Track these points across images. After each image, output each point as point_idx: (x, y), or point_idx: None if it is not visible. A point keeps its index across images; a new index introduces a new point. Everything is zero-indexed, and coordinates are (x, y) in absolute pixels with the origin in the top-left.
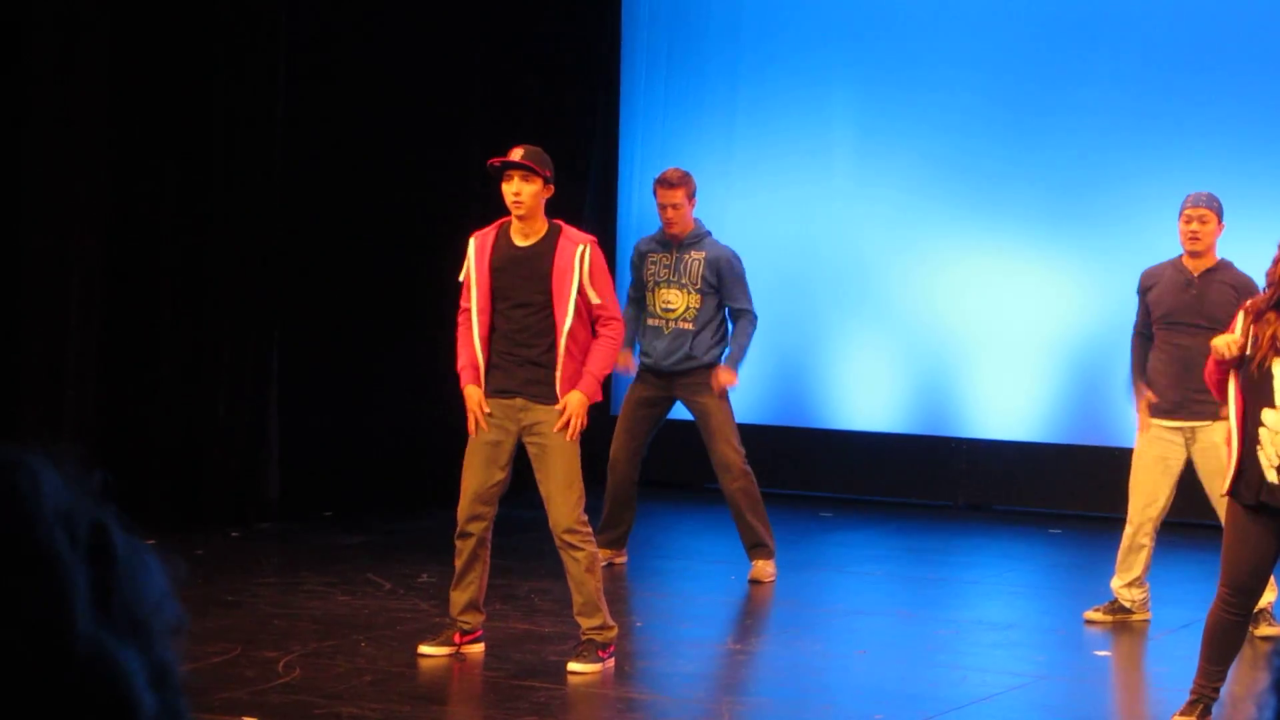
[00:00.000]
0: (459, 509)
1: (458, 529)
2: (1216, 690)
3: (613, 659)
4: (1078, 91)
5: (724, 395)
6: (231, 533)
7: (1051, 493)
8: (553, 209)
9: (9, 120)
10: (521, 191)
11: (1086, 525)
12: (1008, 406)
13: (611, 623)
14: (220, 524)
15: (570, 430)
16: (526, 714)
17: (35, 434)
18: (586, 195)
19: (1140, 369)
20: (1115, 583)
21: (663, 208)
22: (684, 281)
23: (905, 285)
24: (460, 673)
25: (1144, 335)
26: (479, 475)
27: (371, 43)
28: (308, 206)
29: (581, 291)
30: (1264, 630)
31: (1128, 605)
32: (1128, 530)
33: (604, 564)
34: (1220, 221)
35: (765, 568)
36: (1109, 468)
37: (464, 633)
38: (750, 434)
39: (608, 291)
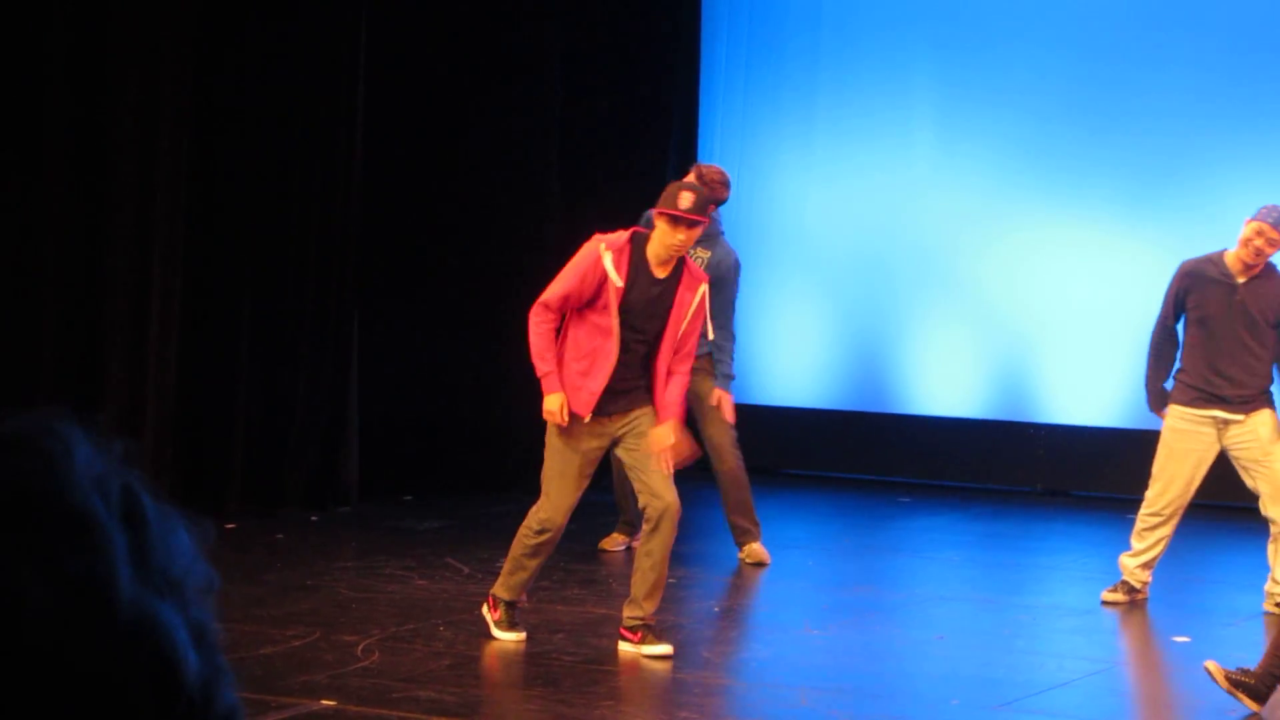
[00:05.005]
0: (546, 512)
1: (545, 532)
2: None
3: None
4: (1159, 77)
5: (722, 383)
6: (311, 517)
7: (1131, 478)
8: (635, 196)
9: (93, 102)
10: (688, 241)
11: None
12: (1087, 392)
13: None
14: (300, 508)
15: (666, 460)
16: (603, 698)
17: (118, 420)
18: (665, 183)
19: (1160, 369)
20: (1131, 562)
21: None
22: None
23: (985, 270)
24: (537, 656)
25: (1168, 331)
26: (572, 488)
27: (449, 25)
28: (388, 193)
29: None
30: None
31: (1137, 585)
32: (1148, 514)
33: (621, 548)
34: None
35: (758, 551)
36: None
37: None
38: (830, 419)
39: (698, 333)
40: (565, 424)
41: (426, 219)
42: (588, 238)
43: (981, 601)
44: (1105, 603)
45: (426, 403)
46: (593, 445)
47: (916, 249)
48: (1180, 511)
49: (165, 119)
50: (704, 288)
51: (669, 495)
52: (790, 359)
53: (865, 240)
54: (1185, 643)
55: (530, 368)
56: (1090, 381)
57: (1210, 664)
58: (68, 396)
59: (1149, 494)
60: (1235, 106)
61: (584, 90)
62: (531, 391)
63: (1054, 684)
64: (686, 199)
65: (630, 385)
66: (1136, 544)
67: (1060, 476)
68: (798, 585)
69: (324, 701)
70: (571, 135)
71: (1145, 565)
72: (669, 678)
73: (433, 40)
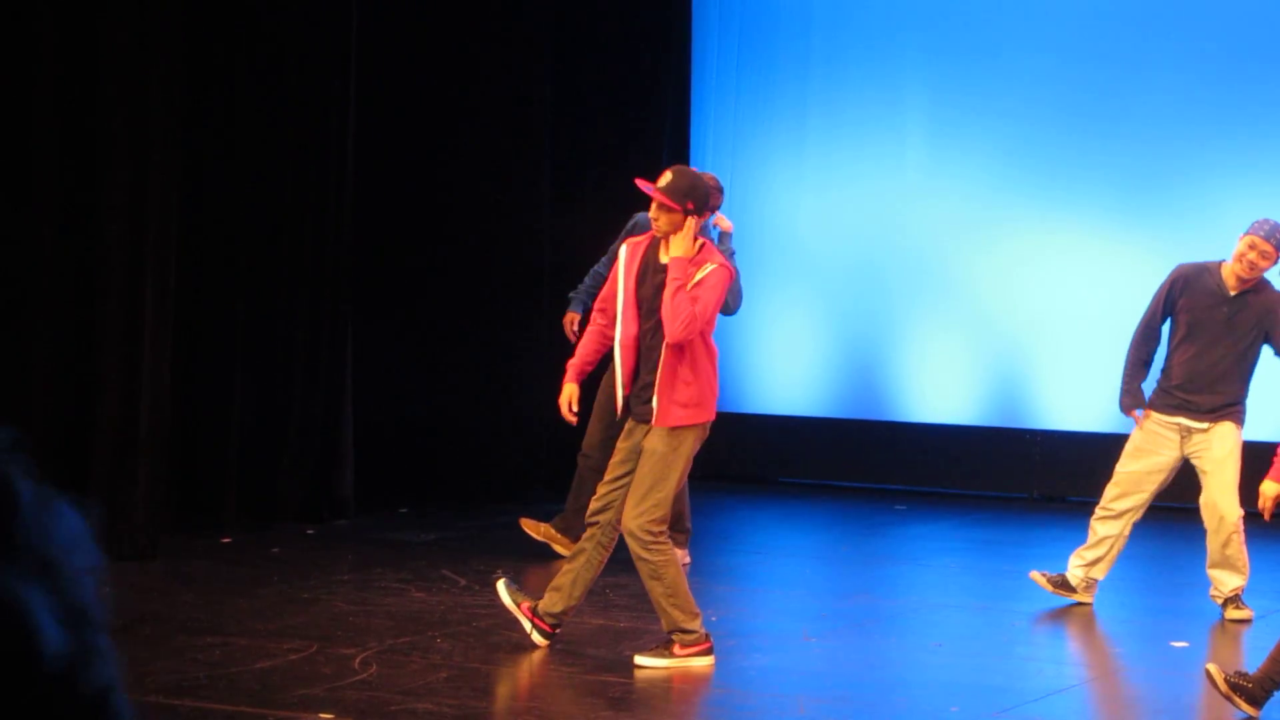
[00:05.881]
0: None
1: (587, 514)
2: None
3: (698, 659)
4: (1151, 82)
5: None
6: (307, 530)
7: None
8: (626, 206)
9: (84, 112)
10: (659, 218)
11: (1160, 516)
12: (1082, 398)
13: (689, 626)
14: (295, 521)
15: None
16: (602, 709)
17: (112, 430)
18: None
19: (1137, 369)
20: (1076, 562)
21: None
22: None
23: (978, 277)
24: (535, 668)
25: (1152, 331)
26: (606, 475)
27: (441, 33)
28: (381, 202)
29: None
30: (1232, 614)
31: (1075, 584)
32: (1098, 508)
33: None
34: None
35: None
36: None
37: (533, 609)
38: (825, 427)
39: (703, 304)
40: (569, 419)
41: (418, 232)
42: (579, 248)
43: (979, 609)
44: (1031, 577)
45: (422, 415)
46: (628, 442)
47: (910, 256)
48: (1131, 514)
49: (156, 129)
50: (711, 267)
51: (624, 513)
52: (784, 368)
53: (858, 248)
54: (1184, 648)
55: (523, 379)
56: (1085, 387)
57: (1211, 667)
58: (61, 411)
59: (1105, 489)
60: (1227, 111)
61: (575, 99)
62: (526, 403)
63: (1052, 690)
64: (664, 177)
65: (650, 393)
66: (1087, 539)
67: (1055, 482)
68: (795, 594)
69: (322, 715)
70: (563, 145)
71: (1087, 565)
72: (667, 688)
73: (423, 51)
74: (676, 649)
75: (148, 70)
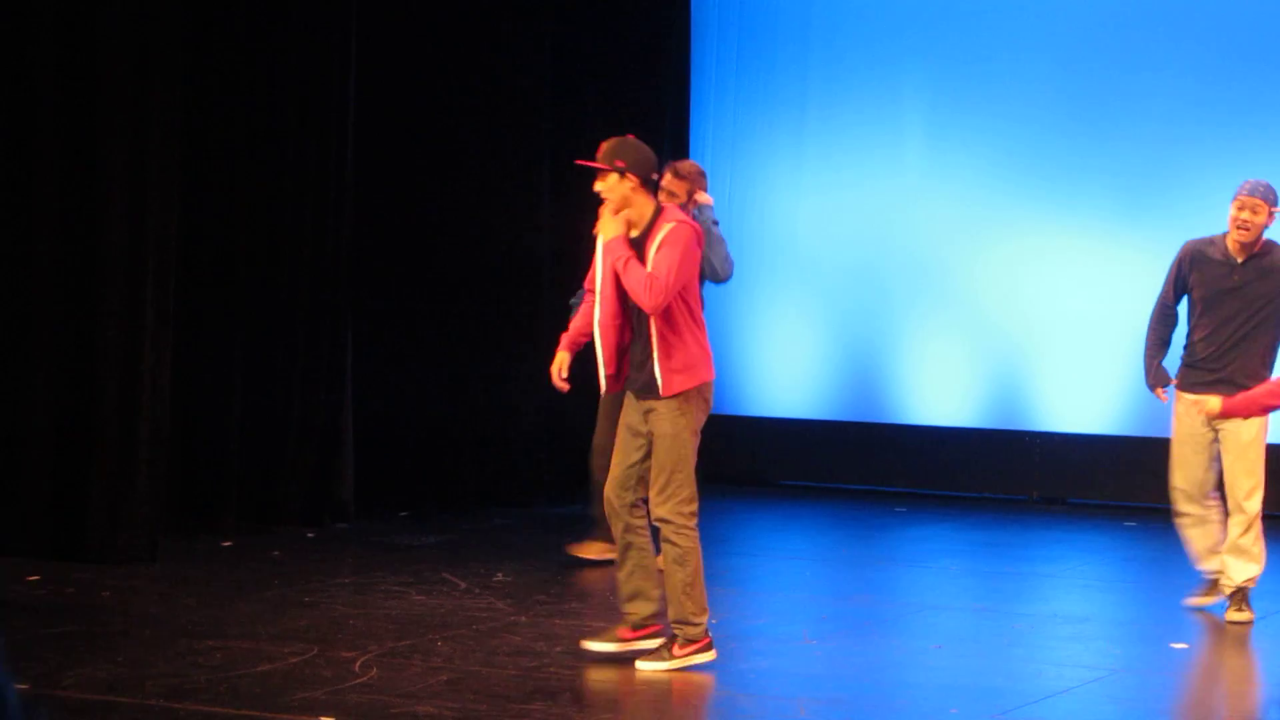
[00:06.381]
0: (604, 490)
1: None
2: None
3: (698, 656)
4: (1149, 83)
5: None
6: (307, 533)
7: (1126, 486)
8: None
9: (83, 113)
10: (600, 190)
11: (1162, 518)
12: (1082, 400)
13: (697, 620)
14: (296, 524)
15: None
16: (602, 711)
17: (112, 431)
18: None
19: (1156, 346)
20: (1197, 563)
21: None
22: None
23: (978, 279)
24: (536, 671)
25: (1168, 310)
26: (615, 458)
27: (442, 37)
28: (380, 204)
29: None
30: (1233, 615)
31: (1215, 578)
32: (1179, 513)
33: (600, 556)
34: (1273, 212)
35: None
36: None
37: (634, 626)
38: (825, 429)
39: (664, 264)
40: (560, 386)
41: (418, 233)
42: (578, 251)
43: (979, 610)
44: (1189, 604)
45: (422, 417)
46: (632, 419)
47: (909, 258)
48: (1193, 498)
49: (156, 130)
50: (667, 228)
51: (651, 503)
52: (784, 370)
53: (858, 250)
54: (1183, 649)
55: (529, 382)
56: (1085, 389)
57: None
58: (61, 411)
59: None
60: (1226, 112)
61: (574, 104)
62: (527, 405)
63: (1052, 692)
64: (600, 149)
65: (637, 362)
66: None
67: (1056, 484)
68: (795, 596)
69: (323, 718)
70: (562, 148)
71: (1196, 559)
72: (667, 690)
73: (423, 54)
74: (675, 649)
75: (148, 71)
